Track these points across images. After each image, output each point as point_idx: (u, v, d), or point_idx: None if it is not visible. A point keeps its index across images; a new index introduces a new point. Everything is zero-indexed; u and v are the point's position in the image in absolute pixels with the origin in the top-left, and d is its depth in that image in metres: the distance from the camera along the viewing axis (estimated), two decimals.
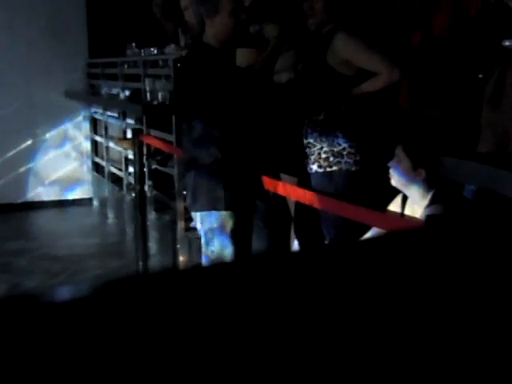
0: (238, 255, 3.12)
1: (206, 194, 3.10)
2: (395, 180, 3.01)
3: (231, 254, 3.10)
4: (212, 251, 3.14)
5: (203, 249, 3.22)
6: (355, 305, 0.56)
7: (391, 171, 3.01)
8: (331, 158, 3.45)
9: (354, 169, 3.44)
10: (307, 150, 3.54)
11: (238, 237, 3.12)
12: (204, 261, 3.27)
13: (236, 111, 3.09)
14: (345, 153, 3.43)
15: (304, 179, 3.58)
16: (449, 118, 3.52)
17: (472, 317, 0.58)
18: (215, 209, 3.09)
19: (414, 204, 3.00)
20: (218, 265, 0.69)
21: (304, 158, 3.57)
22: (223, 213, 3.09)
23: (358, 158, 3.43)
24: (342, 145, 3.43)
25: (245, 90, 3.12)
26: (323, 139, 3.47)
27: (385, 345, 0.54)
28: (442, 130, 3.42)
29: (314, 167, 3.50)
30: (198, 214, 3.17)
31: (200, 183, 3.11)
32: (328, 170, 3.46)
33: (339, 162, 3.44)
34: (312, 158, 3.51)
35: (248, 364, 0.50)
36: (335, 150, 3.44)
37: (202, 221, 3.15)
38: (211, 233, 3.12)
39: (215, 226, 3.10)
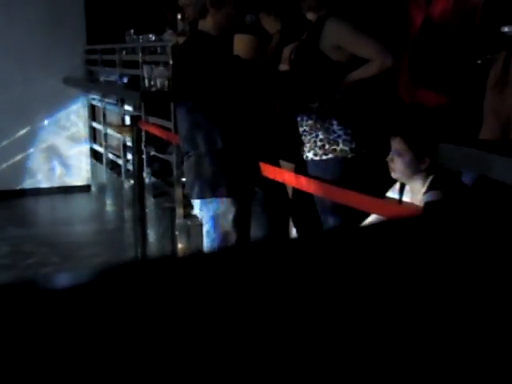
0: (240, 241, 3.13)
1: (207, 181, 3.10)
2: (398, 173, 2.99)
3: (234, 240, 3.10)
4: (214, 238, 3.15)
5: (205, 236, 3.23)
6: (353, 293, 0.56)
7: (392, 165, 2.99)
8: (327, 146, 3.44)
9: (349, 156, 3.43)
10: (303, 138, 3.53)
11: (240, 223, 3.12)
12: (206, 248, 3.27)
13: (236, 98, 3.09)
14: (340, 140, 3.42)
15: (301, 167, 3.57)
16: (448, 104, 3.51)
17: (472, 304, 0.58)
18: (217, 196, 3.09)
19: (413, 191, 3.00)
20: (219, 251, 0.69)
21: (300, 145, 3.57)
22: (225, 199, 3.09)
23: (354, 145, 3.42)
24: (338, 132, 3.43)
25: (244, 78, 3.11)
26: (318, 127, 3.46)
27: (383, 333, 0.54)
28: (440, 116, 3.41)
29: (310, 155, 3.49)
30: (200, 201, 3.17)
31: (201, 170, 3.11)
32: (324, 157, 3.45)
33: (335, 150, 3.43)
34: (308, 145, 3.50)
35: (248, 351, 0.50)
36: (330, 137, 3.43)
37: (204, 208, 3.15)
38: (213, 220, 3.12)
39: (217, 212, 3.10)
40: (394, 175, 3.03)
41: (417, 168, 2.94)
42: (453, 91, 3.52)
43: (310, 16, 3.54)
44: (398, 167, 2.98)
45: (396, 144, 2.99)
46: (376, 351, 0.53)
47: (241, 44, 3.58)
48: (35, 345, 0.45)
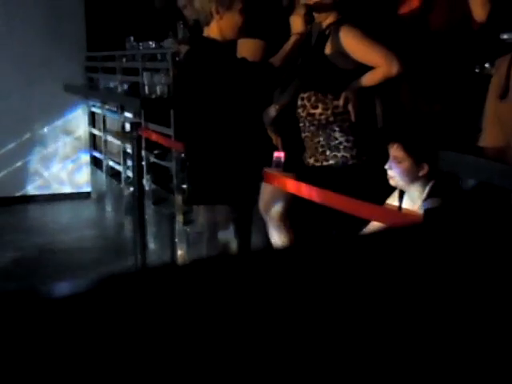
0: (241, 249, 3.13)
1: (209, 188, 3.10)
2: (396, 180, 2.99)
3: (235, 247, 3.10)
4: (216, 245, 3.15)
5: (206, 242, 3.23)
6: (354, 301, 0.56)
7: (390, 172, 3.00)
8: (327, 152, 3.44)
9: (350, 162, 3.43)
10: (304, 144, 3.54)
11: (242, 230, 3.12)
12: (207, 254, 3.27)
13: (241, 105, 3.08)
14: (341, 147, 3.42)
15: (301, 174, 3.57)
16: (446, 111, 3.51)
17: (472, 312, 0.58)
18: (220, 202, 3.09)
19: (413, 198, 3.00)
20: (220, 259, 0.69)
21: (301, 153, 3.57)
22: (227, 206, 3.09)
23: (355, 152, 3.42)
24: (339, 139, 3.43)
25: (250, 82, 3.10)
26: (320, 133, 3.46)
27: (384, 340, 0.54)
28: (438, 123, 3.42)
29: (311, 161, 3.50)
30: (202, 207, 3.17)
31: (203, 176, 3.11)
32: (324, 163, 3.46)
33: (335, 156, 3.43)
34: (309, 151, 3.51)
35: (248, 358, 0.50)
36: (332, 143, 3.44)
37: (206, 214, 3.15)
38: (215, 226, 3.12)
39: (219, 219, 3.10)
40: (392, 182, 3.03)
41: (415, 175, 2.94)
42: (451, 99, 3.52)
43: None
44: (396, 174, 2.98)
45: (394, 151, 2.99)
46: (376, 356, 0.53)
47: (245, 48, 3.56)
48: (35, 353, 0.45)
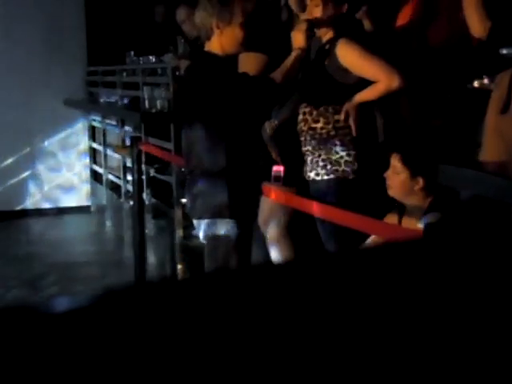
0: (241, 263, 3.12)
1: (210, 202, 3.09)
2: (393, 191, 3.01)
3: (235, 262, 3.09)
4: (216, 259, 3.14)
5: (206, 257, 3.22)
6: (355, 314, 0.56)
7: (388, 182, 3.01)
8: (328, 166, 3.44)
9: (351, 177, 3.44)
10: (305, 158, 3.54)
11: (242, 245, 3.12)
12: (206, 270, 3.26)
13: (242, 118, 3.09)
14: (342, 161, 3.43)
15: (302, 189, 3.57)
16: (446, 126, 3.52)
17: (473, 326, 0.58)
18: (220, 216, 3.08)
19: (412, 212, 3.01)
20: (220, 274, 0.69)
21: (302, 167, 3.57)
22: (228, 220, 3.08)
23: (356, 166, 3.43)
24: (340, 153, 3.43)
25: (251, 97, 3.11)
26: (321, 147, 3.47)
27: (384, 354, 0.54)
28: (439, 138, 3.43)
29: (312, 175, 3.50)
30: (202, 221, 3.16)
31: (205, 191, 3.11)
32: (325, 177, 3.46)
33: (336, 170, 3.43)
34: (310, 165, 3.51)
35: (248, 372, 0.50)
36: (333, 158, 3.44)
37: (206, 228, 3.14)
38: (215, 241, 3.11)
39: (220, 233, 3.10)
40: (390, 192, 3.05)
41: (411, 188, 2.95)
42: (450, 113, 3.53)
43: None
44: (393, 184, 3.00)
45: (393, 161, 3.01)
46: (376, 370, 0.53)
47: (247, 62, 3.57)
48: (35, 369, 0.45)
